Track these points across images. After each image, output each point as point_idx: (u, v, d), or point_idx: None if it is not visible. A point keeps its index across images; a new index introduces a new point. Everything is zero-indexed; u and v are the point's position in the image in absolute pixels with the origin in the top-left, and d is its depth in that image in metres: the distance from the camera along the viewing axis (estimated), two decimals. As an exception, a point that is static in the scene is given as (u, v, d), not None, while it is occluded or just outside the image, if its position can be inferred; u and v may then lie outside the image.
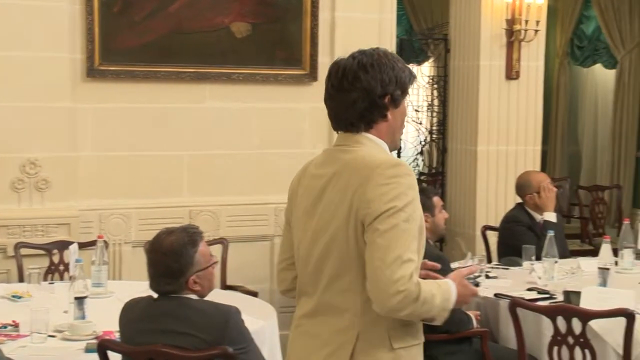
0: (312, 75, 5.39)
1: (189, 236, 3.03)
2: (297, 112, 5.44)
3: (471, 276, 4.51)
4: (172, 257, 2.97)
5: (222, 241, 5.02)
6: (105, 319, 3.42)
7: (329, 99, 2.36)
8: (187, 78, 5.20)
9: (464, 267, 2.41)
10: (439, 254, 4.13)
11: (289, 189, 2.49)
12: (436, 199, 4.16)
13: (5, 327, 3.44)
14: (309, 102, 5.44)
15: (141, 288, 3.47)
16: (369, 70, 2.28)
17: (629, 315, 3.49)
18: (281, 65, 5.37)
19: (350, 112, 2.32)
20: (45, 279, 4.51)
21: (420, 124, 8.09)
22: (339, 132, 2.39)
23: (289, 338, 2.44)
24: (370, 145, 2.32)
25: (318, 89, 5.45)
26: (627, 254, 4.75)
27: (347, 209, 2.22)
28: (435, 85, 7.81)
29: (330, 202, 2.28)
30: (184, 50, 5.18)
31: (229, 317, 2.92)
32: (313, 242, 2.31)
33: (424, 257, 2.32)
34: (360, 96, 2.29)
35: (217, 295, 3.24)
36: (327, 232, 2.27)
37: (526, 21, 6.28)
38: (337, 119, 2.36)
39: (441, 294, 2.20)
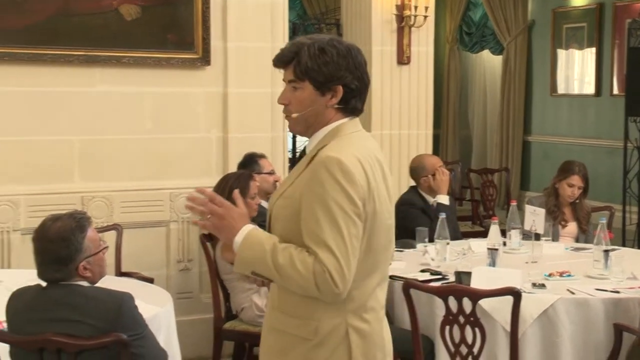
0: (205, 59, 5.33)
1: (77, 222, 2.96)
2: (190, 96, 5.37)
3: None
4: (59, 243, 2.90)
5: (116, 227, 4.92)
6: (-7, 309, 3.30)
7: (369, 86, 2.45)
8: (75, 61, 5.06)
9: None
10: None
11: (361, 184, 2.29)
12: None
13: None
14: (202, 86, 5.39)
15: (31, 276, 3.36)
16: None
17: (516, 294, 3.61)
18: (173, 49, 5.29)
19: None
20: None
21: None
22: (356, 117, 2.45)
23: (372, 327, 2.39)
24: None
25: (211, 72, 5.40)
26: (514, 235, 4.90)
27: None
28: (329, 70, 7.86)
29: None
30: (71, 33, 5.03)
31: (122, 304, 2.87)
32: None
33: None
34: None
35: (111, 282, 3.19)
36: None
37: (415, 7, 6.39)
38: None
39: None
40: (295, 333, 2.33)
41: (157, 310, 3.51)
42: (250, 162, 5.16)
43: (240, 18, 5.40)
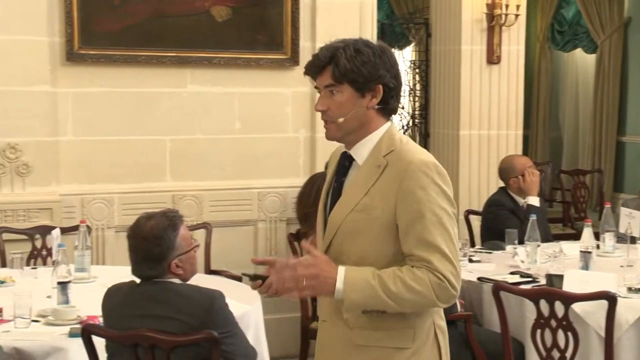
0: (294, 60, 5.37)
1: (169, 220, 3.01)
2: (279, 97, 5.42)
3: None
4: (153, 241, 2.95)
5: (206, 226, 5.00)
6: (89, 304, 3.40)
7: None
8: (168, 62, 5.16)
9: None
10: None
11: (451, 184, 2.31)
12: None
13: (-12, 312, 3.42)
14: (291, 86, 5.42)
15: (124, 273, 3.44)
16: None
17: (611, 298, 3.51)
18: (262, 50, 5.34)
19: None
20: (27, 264, 4.48)
21: (403, 108, 8.09)
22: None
23: (445, 323, 2.40)
24: None
25: (300, 73, 5.40)
26: (608, 238, 4.78)
27: None
28: (417, 70, 7.82)
29: None
30: (164, 34, 5.14)
31: (213, 301, 2.91)
32: None
33: None
34: None
35: (201, 280, 3.23)
36: None
37: (507, 5, 6.29)
38: None
39: None
40: (390, 345, 2.27)
41: (246, 308, 3.54)
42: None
43: (329, 18, 5.41)
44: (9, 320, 3.31)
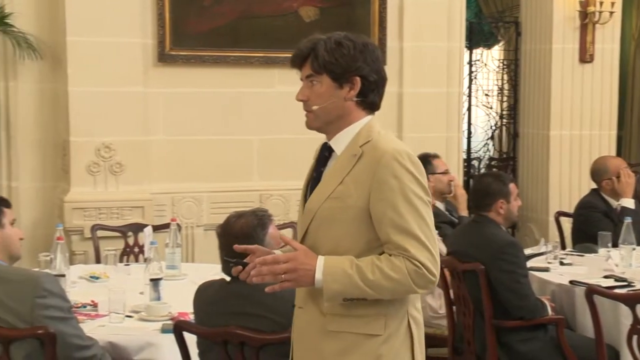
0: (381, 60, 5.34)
1: (259, 219, 3.03)
2: (366, 97, 5.40)
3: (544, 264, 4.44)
4: (242, 239, 2.96)
5: (293, 225, 5.02)
6: (180, 301, 3.45)
7: None
8: (256, 63, 5.22)
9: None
10: (512, 239, 4.06)
11: (425, 174, 2.37)
12: (512, 186, 4.08)
13: (85, 307, 3.52)
14: (378, 86, 5.40)
15: (214, 271, 3.50)
16: None
17: None
18: (350, 50, 5.33)
19: None
20: (120, 261, 4.58)
21: (491, 108, 7.97)
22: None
23: (421, 315, 2.38)
24: None
25: (387, 73, 5.39)
26: None
27: None
28: (506, 69, 7.68)
29: None
30: (253, 35, 5.20)
31: (302, 300, 2.91)
32: None
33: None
34: None
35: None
36: None
37: (601, 3, 6.14)
38: None
39: None
40: (361, 332, 2.28)
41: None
42: (424, 163, 5.02)
43: (417, 18, 5.38)
44: (104, 315, 3.39)
